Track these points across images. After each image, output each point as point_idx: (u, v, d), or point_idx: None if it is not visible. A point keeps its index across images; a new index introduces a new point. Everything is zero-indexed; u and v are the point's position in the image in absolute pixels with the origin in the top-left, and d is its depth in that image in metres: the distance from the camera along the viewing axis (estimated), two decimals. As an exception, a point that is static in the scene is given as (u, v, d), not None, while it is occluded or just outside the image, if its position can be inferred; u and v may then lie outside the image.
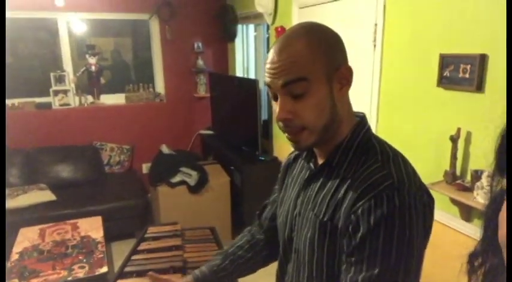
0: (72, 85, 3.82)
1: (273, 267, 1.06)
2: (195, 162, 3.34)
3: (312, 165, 0.87)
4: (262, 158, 3.31)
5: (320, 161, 0.85)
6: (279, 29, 3.12)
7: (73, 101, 3.83)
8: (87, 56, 3.83)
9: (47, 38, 3.88)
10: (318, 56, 0.74)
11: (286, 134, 0.80)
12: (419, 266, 0.74)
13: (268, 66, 0.77)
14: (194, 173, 3.08)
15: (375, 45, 2.13)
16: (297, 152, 0.98)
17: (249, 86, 3.26)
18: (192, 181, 3.06)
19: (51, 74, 3.69)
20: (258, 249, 1.08)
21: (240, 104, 3.47)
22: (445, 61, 1.70)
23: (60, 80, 3.75)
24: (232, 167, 3.47)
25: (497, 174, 0.44)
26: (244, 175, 3.22)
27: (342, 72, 0.77)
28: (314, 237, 0.79)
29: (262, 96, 3.75)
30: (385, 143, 0.82)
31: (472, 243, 0.55)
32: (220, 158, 3.80)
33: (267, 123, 3.65)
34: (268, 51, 3.66)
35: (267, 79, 0.78)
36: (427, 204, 0.73)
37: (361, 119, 0.83)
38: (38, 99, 3.76)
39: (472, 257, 0.48)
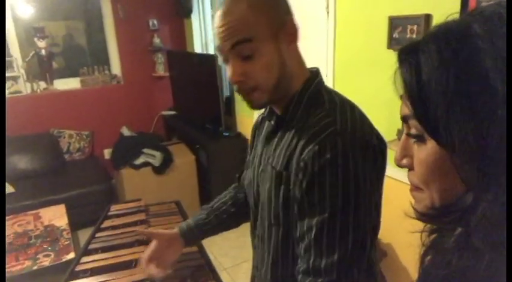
0: (22, 71, 3.63)
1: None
2: (158, 143, 3.30)
3: (272, 122, 0.90)
4: (227, 134, 3.32)
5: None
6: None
7: (24, 88, 3.64)
8: (35, 39, 3.63)
9: (-11, 23, 3.64)
10: (260, 16, 0.76)
11: (241, 95, 0.83)
12: (374, 203, 0.78)
13: (216, 29, 0.78)
14: (158, 154, 3.04)
15: (328, 12, 2.14)
16: (264, 114, 1.02)
17: (209, 62, 3.22)
18: (156, 162, 3.03)
19: (-3, 60, 3.48)
20: (240, 204, 1.13)
21: (201, 81, 3.42)
22: (394, 23, 1.75)
23: (8, 66, 3.54)
24: (197, 146, 3.45)
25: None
26: (209, 152, 3.22)
27: (287, 29, 0.79)
28: (271, 188, 0.83)
29: (223, 71, 3.72)
30: (335, 92, 0.85)
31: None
32: (184, 138, 3.76)
33: (230, 100, 3.64)
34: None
35: (217, 43, 0.79)
36: (377, 146, 0.77)
37: (314, 73, 0.86)
38: (-15, 88, 3.55)
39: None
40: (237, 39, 0.76)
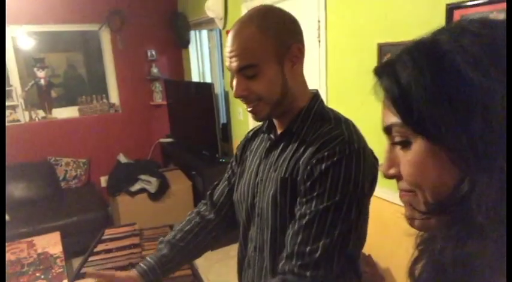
0: (21, 100, 3.68)
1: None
2: (154, 170, 3.31)
3: (272, 135, 0.96)
4: (223, 160, 3.33)
5: (279, 131, 0.94)
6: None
7: (23, 116, 3.69)
8: (35, 69, 3.71)
9: (-9, 53, 3.72)
10: (267, 41, 0.83)
11: (246, 106, 0.90)
12: (365, 209, 0.84)
13: (226, 50, 0.87)
14: (154, 180, 3.04)
15: (319, 41, 2.22)
16: (255, 129, 1.08)
17: (205, 90, 3.28)
18: (152, 188, 3.03)
19: (-3, 90, 3.54)
20: (208, 230, 1.09)
21: (198, 109, 3.48)
22: (383, 50, 1.82)
23: (7, 95, 3.60)
24: (193, 172, 3.47)
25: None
26: (205, 178, 3.22)
27: (292, 51, 0.85)
28: (276, 193, 0.88)
29: (220, 99, 3.79)
30: (336, 111, 0.93)
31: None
32: (181, 165, 3.78)
33: (226, 127, 3.68)
34: (222, 54, 3.65)
35: (226, 62, 0.87)
36: (374, 160, 0.85)
37: (315, 93, 0.94)
38: (-17, 117, 3.59)
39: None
40: (242, 64, 0.83)
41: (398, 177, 0.49)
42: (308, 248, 0.78)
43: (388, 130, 0.48)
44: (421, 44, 0.45)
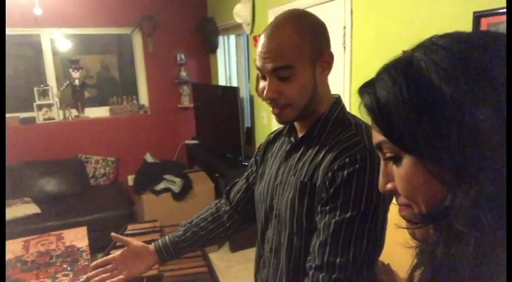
0: (56, 99, 3.86)
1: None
2: (179, 170, 3.38)
3: (292, 139, 0.97)
4: (246, 164, 3.37)
5: (300, 135, 0.94)
6: (257, 38, 3.23)
7: (57, 115, 3.87)
8: (70, 70, 3.89)
9: (31, 54, 3.93)
10: (304, 43, 0.83)
11: (272, 109, 0.90)
12: (385, 217, 0.84)
13: (259, 50, 0.85)
14: (178, 180, 3.12)
15: (344, 47, 2.23)
16: (277, 131, 1.09)
17: (231, 94, 3.34)
18: (176, 188, 3.10)
19: (35, 89, 3.73)
20: (221, 221, 1.16)
21: (223, 112, 3.54)
22: (408, 57, 1.80)
23: (44, 94, 3.79)
24: (217, 174, 3.52)
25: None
26: (228, 180, 3.27)
27: (324, 57, 0.87)
28: (295, 197, 0.88)
29: (245, 103, 3.84)
30: (358, 117, 0.92)
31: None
32: (205, 166, 3.85)
33: (250, 130, 3.72)
34: (249, 59, 3.65)
35: (258, 62, 0.86)
36: None
37: (337, 98, 0.94)
38: (21, 114, 3.78)
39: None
40: (279, 65, 0.82)
41: (396, 192, 0.49)
42: (338, 260, 0.79)
43: (379, 147, 0.49)
44: (398, 61, 0.46)
